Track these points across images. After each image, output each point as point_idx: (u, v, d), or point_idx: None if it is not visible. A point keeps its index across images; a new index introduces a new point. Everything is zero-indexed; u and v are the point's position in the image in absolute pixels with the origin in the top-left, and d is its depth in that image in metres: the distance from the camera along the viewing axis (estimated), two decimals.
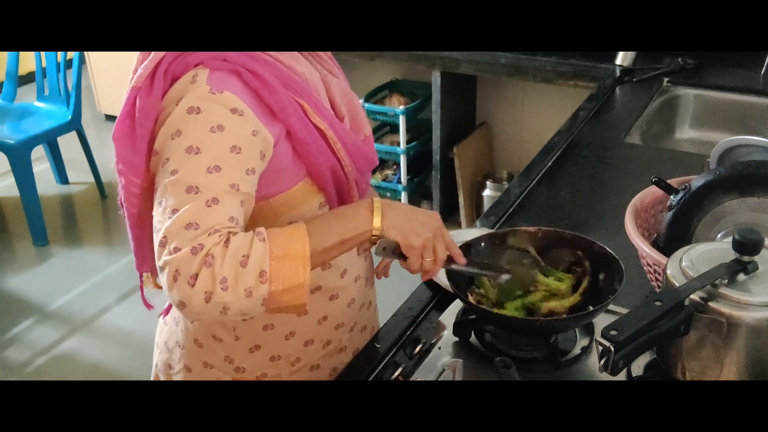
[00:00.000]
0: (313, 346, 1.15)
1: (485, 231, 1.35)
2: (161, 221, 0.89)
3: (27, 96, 3.77)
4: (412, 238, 0.97)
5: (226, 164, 0.90)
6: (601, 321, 1.01)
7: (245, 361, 1.12)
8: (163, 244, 0.88)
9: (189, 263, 0.86)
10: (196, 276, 0.85)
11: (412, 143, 3.21)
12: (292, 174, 1.02)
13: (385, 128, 3.43)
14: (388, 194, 3.32)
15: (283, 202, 1.02)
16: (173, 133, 0.92)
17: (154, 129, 0.95)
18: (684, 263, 0.98)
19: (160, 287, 0.97)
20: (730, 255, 0.95)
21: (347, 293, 1.16)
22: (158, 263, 0.88)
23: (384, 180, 3.35)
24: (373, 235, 0.97)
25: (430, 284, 1.28)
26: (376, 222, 0.97)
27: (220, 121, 0.91)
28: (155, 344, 1.25)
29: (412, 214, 1.00)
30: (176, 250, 0.86)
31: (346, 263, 1.13)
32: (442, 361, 1.09)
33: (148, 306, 1.23)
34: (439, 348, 1.13)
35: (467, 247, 1.19)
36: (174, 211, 0.88)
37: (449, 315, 1.19)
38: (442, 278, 1.22)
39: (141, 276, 1.19)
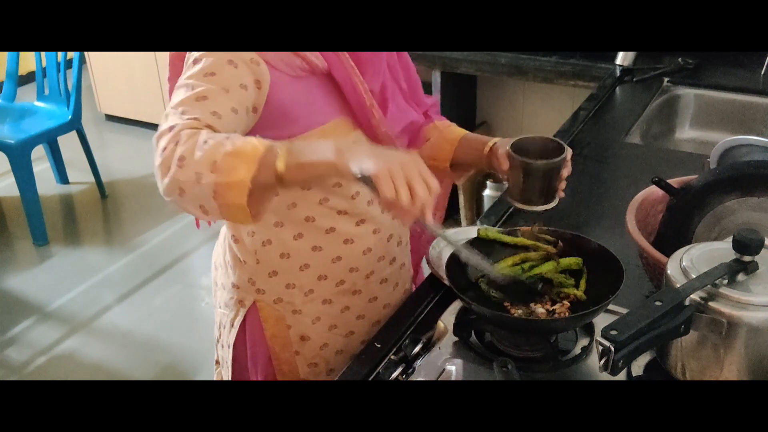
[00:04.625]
0: (326, 282, 1.23)
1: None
2: (163, 116, 1.02)
3: (27, 96, 3.77)
4: (372, 164, 0.91)
5: (221, 72, 1.01)
6: (601, 321, 1.01)
7: (265, 284, 1.23)
8: (159, 127, 1.00)
9: (164, 136, 0.97)
10: (165, 149, 0.95)
11: None
12: (324, 110, 1.11)
13: None
14: None
15: (317, 136, 1.10)
16: (189, 53, 1.06)
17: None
18: (684, 263, 0.98)
19: None
20: (730, 255, 0.95)
21: (363, 241, 1.23)
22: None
23: None
24: (338, 163, 0.94)
25: (431, 283, 1.28)
26: (337, 158, 0.93)
27: None
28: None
29: (385, 150, 0.97)
30: (162, 129, 0.98)
31: (364, 214, 1.20)
32: (441, 360, 1.09)
33: (198, 224, 1.33)
34: (439, 348, 1.13)
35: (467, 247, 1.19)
36: (171, 104, 1.02)
37: (449, 315, 1.19)
38: (442, 271, 1.22)
39: None
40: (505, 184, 1.25)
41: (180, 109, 0.99)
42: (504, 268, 1.17)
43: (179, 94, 1.02)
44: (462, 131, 1.34)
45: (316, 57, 1.07)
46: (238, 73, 1.02)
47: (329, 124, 1.12)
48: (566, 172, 1.18)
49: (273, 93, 1.06)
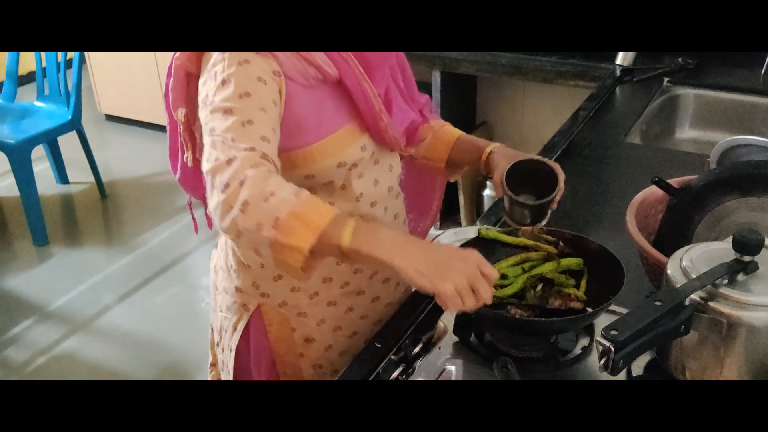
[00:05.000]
0: (331, 284, 1.23)
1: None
2: (206, 142, 1.00)
3: (27, 96, 3.77)
4: (439, 284, 0.90)
5: (255, 91, 1.00)
6: (601, 321, 1.01)
7: (269, 288, 1.22)
8: (207, 159, 0.98)
9: (223, 171, 0.94)
10: (227, 185, 0.93)
11: None
12: (334, 119, 1.11)
13: None
14: None
15: (329, 145, 1.10)
16: (209, 72, 1.04)
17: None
18: (684, 263, 0.98)
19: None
20: (730, 255, 0.95)
21: None
22: (204, 174, 0.98)
23: None
24: (400, 271, 0.93)
25: None
26: (397, 262, 0.91)
27: (247, 56, 1.02)
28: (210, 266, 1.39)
29: (445, 257, 0.93)
30: (216, 160, 0.96)
31: (368, 215, 1.20)
32: (441, 360, 1.09)
33: (196, 229, 1.37)
34: (439, 348, 1.13)
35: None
36: (213, 130, 0.99)
37: (449, 315, 1.19)
38: None
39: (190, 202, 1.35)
40: None
41: (229, 135, 0.97)
42: (504, 268, 1.17)
43: (217, 119, 0.99)
44: (457, 132, 1.34)
45: (328, 66, 1.07)
46: (269, 90, 1.02)
47: (339, 131, 1.12)
48: (559, 195, 1.18)
49: (288, 104, 1.06)
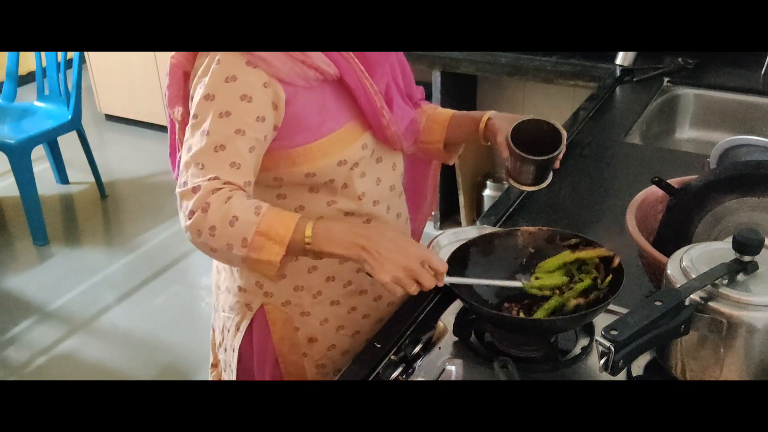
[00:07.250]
0: (334, 283, 1.24)
1: (486, 229, 1.35)
2: (183, 158, 1.06)
3: (27, 96, 3.77)
4: (378, 274, 1.00)
5: (236, 110, 1.03)
6: (601, 321, 1.01)
7: (273, 287, 1.23)
8: (178, 181, 1.05)
9: (189, 199, 1.01)
10: (193, 212, 1.00)
11: None
12: (336, 116, 1.12)
13: None
14: None
15: (330, 143, 1.11)
16: (198, 79, 1.06)
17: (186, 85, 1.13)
18: (684, 263, 0.98)
19: None
20: (730, 255, 0.95)
21: None
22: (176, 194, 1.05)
23: None
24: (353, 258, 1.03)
25: None
26: (348, 254, 1.01)
27: (234, 72, 1.03)
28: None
29: (390, 251, 1.01)
30: (184, 183, 1.03)
31: (370, 214, 1.21)
32: (441, 360, 1.09)
33: None
34: (439, 348, 1.13)
35: (467, 248, 1.20)
36: (189, 148, 1.04)
37: (449, 315, 1.19)
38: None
39: None
40: (506, 185, 1.25)
41: (200, 162, 1.02)
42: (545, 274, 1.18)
43: (195, 139, 1.03)
44: (450, 111, 1.35)
45: (327, 65, 1.07)
46: (253, 108, 1.03)
47: (341, 129, 1.12)
48: (561, 154, 1.20)
49: (288, 107, 1.07)
